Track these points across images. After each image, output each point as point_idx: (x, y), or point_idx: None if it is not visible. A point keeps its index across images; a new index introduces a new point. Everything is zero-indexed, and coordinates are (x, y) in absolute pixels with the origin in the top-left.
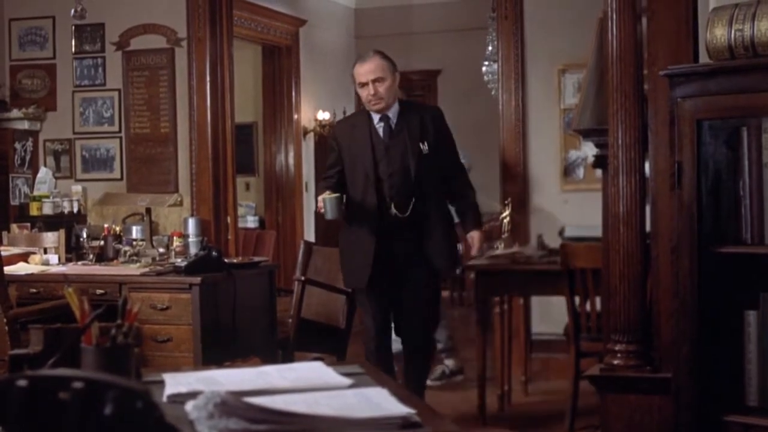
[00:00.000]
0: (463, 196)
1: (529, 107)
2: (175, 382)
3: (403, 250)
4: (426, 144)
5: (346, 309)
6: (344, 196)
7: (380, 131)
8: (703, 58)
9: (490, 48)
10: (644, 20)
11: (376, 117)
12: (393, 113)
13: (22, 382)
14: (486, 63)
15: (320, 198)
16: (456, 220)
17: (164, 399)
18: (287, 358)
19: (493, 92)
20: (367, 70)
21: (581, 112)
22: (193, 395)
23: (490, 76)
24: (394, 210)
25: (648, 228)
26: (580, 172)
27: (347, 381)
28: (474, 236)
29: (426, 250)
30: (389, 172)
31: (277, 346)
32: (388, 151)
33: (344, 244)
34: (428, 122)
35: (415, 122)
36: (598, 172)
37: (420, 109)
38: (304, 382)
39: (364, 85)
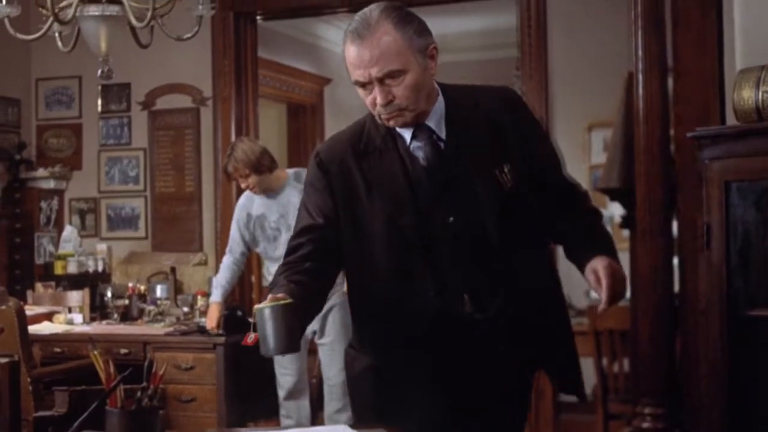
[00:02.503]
0: (586, 220)
1: None
2: None
3: (489, 379)
4: (508, 168)
5: None
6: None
7: (420, 155)
8: (730, 119)
9: None
10: (670, 79)
11: (406, 132)
12: (437, 117)
13: None
14: None
15: (255, 309)
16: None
17: None
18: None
19: None
20: (365, 56)
21: (608, 172)
22: None
23: None
24: (468, 306)
25: (676, 289)
26: None
27: None
28: (605, 268)
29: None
30: (451, 232)
31: None
32: (440, 191)
33: (368, 379)
34: (505, 120)
35: (483, 125)
36: (626, 232)
37: (485, 96)
38: None
39: (364, 85)
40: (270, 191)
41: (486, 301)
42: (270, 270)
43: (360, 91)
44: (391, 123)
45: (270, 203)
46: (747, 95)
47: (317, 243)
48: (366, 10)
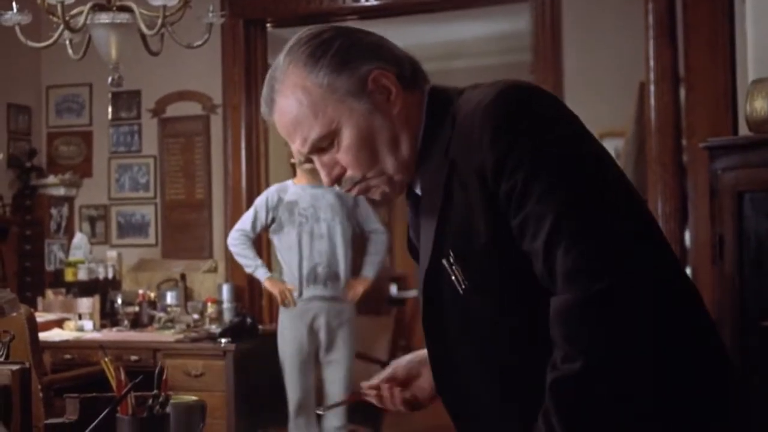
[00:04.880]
0: None
1: None
2: None
3: None
4: (453, 256)
5: None
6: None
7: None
8: (743, 129)
9: None
10: (682, 90)
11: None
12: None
13: None
14: None
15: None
16: None
17: None
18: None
19: None
20: (281, 130)
21: None
22: None
23: None
24: None
25: None
26: None
27: None
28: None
29: None
30: (442, 358)
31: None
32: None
33: None
34: (469, 160)
35: (440, 182)
36: None
37: (466, 122)
38: None
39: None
40: (317, 179)
41: None
42: (285, 273)
43: None
44: (372, 197)
45: (303, 194)
46: (759, 105)
47: None
48: (274, 65)
